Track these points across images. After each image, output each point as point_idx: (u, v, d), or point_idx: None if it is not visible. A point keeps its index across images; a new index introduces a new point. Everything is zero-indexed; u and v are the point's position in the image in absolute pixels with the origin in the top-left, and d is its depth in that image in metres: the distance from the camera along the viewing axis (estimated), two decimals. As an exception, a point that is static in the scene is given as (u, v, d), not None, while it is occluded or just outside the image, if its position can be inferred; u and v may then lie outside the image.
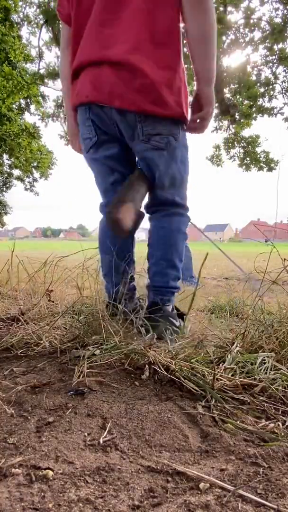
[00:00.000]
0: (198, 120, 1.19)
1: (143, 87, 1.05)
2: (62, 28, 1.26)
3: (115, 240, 1.28)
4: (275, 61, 7.36)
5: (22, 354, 1.16)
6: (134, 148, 1.18)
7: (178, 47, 1.10)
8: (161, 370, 0.97)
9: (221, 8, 6.60)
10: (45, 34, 9.63)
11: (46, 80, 9.18)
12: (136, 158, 1.23)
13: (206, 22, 1.06)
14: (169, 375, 0.95)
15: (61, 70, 1.31)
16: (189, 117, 1.20)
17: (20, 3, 8.38)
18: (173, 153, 1.15)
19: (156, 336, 1.11)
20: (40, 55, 9.03)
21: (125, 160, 1.22)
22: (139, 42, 1.03)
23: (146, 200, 1.28)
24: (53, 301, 1.70)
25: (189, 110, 1.21)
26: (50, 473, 0.58)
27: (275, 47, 6.92)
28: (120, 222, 1.06)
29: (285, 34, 6.31)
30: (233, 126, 8.56)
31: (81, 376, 0.95)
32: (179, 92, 1.12)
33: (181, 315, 1.36)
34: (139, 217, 1.17)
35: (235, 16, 6.92)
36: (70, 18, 1.17)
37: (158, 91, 1.06)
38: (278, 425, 0.76)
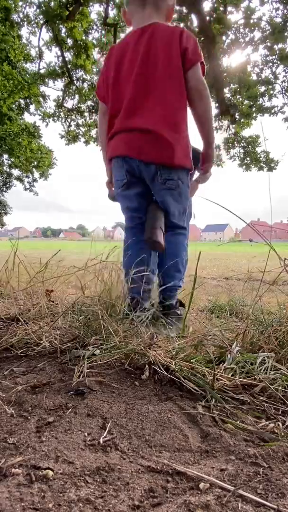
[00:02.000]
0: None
1: (162, 146, 1.50)
2: (100, 103, 1.74)
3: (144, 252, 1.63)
4: (275, 61, 7.35)
5: (22, 354, 1.16)
6: (153, 188, 1.60)
7: (185, 119, 1.58)
8: (161, 370, 0.97)
9: (221, 8, 6.60)
10: (45, 34, 9.63)
11: (46, 80, 9.18)
12: (153, 194, 1.66)
13: (206, 106, 1.56)
14: (169, 375, 0.95)
15: (99, 132, 1.77)
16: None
17: (20, 3, 8.37)
18: (180, 192, 1.59)
19: (168, 321, 1.40)
20: (40, 55, 9.02)
21: (146, 196, 1.64)
22: (160, 117, 1.50)
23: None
24: (53, 301, 1.70)
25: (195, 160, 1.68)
26: (50, 473, 0.58)
27: (275, 47, 6.91)
28: (159, 243, 1.50)
29: (285, 34, 6.30)
30: (233, 126, 8.56)
31: (81, 376, 0.95)
32: (186, 148, 1.58)
33: (181, 304, 1.70)
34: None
35: (235, 16, 6.92)
36: (106, 99, 1.65)
37: (172, 149, 1.50)
38: (278, 425, 0.76)
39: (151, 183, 1.57)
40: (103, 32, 8.82)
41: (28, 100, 11.65)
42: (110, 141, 1.63)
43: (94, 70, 9.32)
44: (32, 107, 11.97)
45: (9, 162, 16.16)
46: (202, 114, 1.56)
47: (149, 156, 1.51)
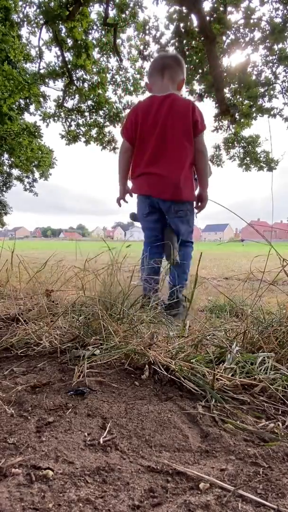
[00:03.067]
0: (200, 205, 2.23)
1: (174, 188, 2.03)
2: (124, 141, 2.17)
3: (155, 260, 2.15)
4: (275, 61, 7.34)
5: (22, 354, 1.16)
6: (168, 216, 2.13)
7: (192, 166, 2.11)
8: (161, 370, 0.97)
9: (221, 8, 6.59)
10: (45, 34, 9.58)
11: (46, 80, 9.17)
12: (167, 220, 2.18)
13: (205, 162, 2.13)
14: (169, 375, 0.95)
15: (120, 162, 2.20)
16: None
17: (20, 3, 8.36)
18: (187, 219, 2.13)
19: (177, 312, 1.81)
20: (40, 55, 9.01)
21: (161, 221, 2.18)
22: (173, 166, 2.02)
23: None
24: (53, 301, 1.70)
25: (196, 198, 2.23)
26: (50, 473, 0.58)
27: (275, 47, 6.90)
28: (176, 260, 1.98)
29: (285, 34, 6.29)
30: (233, 126, 8.56)
31: (81, 376, 0.95)
32: (191, 187, 2.12)
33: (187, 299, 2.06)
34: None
35: (235, 16, 6.90)
36: (132, 140, 2.12)
37: (181, 190, 2.03)
38: (278, 425, 0.76)
39: (167, 213, 2.13)
40: (103, 32, 8.83)
41: (28, 100, 11.64)
42: (135, 179, 2.17)
43: (94, 70, 9.33)
44: (32, 107, 11.97)
45: (10, 162, 16.17)
46: (202, 168, 2.13)
47: (165, 196, 2.06)
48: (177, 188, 2.03)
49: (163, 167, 2.03)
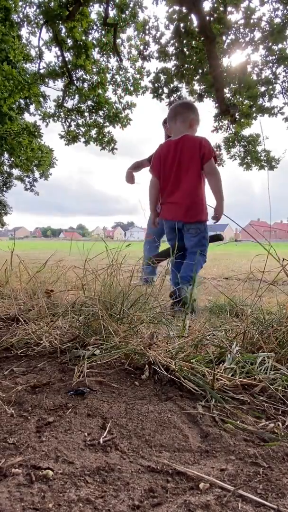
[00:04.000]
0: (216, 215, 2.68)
1: (185, 211, 2.54)
2: (153, 177, 2.72)
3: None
4: (275, 61, 7.34)
5: (22, 354, 1.16)
6: (183, 233, 2.62)
7: (202, 192, 2.62)
8: (161, 370, 0.97)
9: (221, 8, 6.58)
10: (45, 34, 9.57)
11: (46, 80, 9.17)
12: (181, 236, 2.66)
13: (217, 183, 2.56)
14: (169, 375, 0.95)
15: (150, 194, 2.75)
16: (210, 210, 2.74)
17: (20, 3, 8.36)
18: (197, 236, 2.58)
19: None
20: (40, 55, 9.01)
21: (175, 233, 2.62)
22: (186, 195, 2.55)
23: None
24: (53, 301, 1.70)
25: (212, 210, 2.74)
26: (50, 473, 0.58)
27: (275, 47, 6.89)
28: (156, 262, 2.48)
29: (285, 34, 6.28)
30: (233, 126, 8.55)
31: (81, 376, 0.95)
32: (202, 209, 2.59)
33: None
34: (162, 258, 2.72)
35: (235, 16, 6.90)
36: (159, 178, 2.67)
37: (191, 212, 2.54)
38: (278, 425, 0.76)
39: (181, 230, 2.63)
40: (103, 32, 8.82)
41: (28, 100, 11.64)
42: (161, 207, 2.75)
43: (94, 70, 9.33)
44: (32, 107, 11.97)
45: (10, 162, 16.18)
46: (215, 187, 2.57)
47: (178, 218, 2.59)
48: (186, 212, 2.57)
49: (177, 197, 2.62)
